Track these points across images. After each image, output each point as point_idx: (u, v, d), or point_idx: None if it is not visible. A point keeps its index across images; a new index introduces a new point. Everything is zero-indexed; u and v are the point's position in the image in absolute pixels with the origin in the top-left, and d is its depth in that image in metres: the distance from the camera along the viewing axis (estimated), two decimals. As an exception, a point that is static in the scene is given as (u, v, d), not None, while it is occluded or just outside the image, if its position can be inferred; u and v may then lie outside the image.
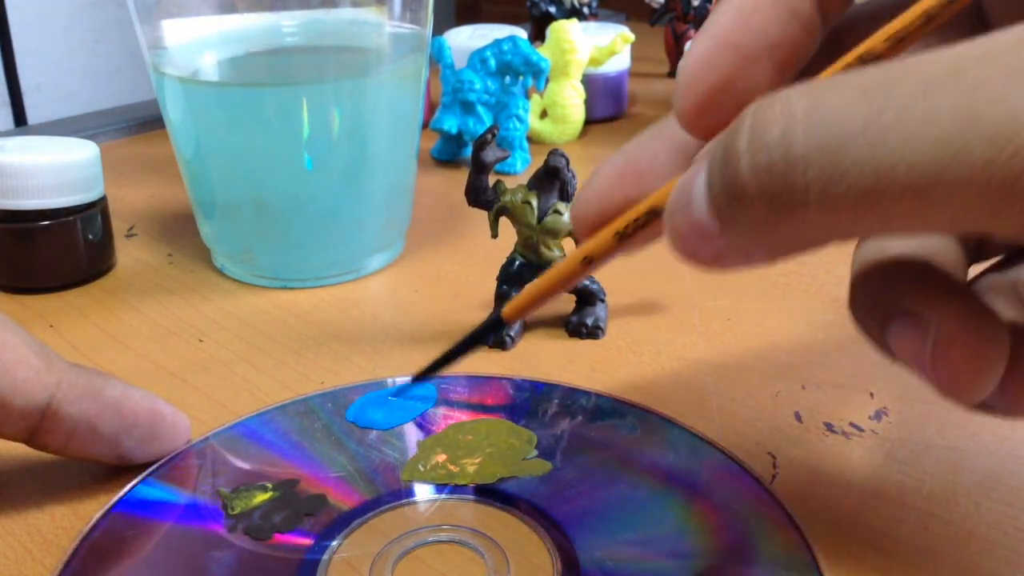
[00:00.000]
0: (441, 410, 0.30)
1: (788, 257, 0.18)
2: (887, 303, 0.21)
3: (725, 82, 0.19)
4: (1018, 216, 0.15)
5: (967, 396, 0.19)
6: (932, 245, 0.22)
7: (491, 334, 0.27)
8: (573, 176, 0.34)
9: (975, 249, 0.23)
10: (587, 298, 0.36)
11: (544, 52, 0.56)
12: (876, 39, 0.18)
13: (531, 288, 0.25)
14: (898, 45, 0.18)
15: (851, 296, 0.22)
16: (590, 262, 0.23)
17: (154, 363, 0.34)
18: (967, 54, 0.15)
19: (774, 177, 0.16)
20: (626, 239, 0.22)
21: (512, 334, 0.35)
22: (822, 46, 0.20)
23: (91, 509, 0.26)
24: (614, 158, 0.22)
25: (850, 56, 0.18)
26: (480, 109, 0.54)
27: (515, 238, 0.35)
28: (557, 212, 0.34)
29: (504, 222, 0.35)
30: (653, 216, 0.22)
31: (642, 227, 0.22)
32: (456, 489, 0.27)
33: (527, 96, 0.55)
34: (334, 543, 0.25)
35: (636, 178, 0.22)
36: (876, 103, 0.15)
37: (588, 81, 0.62)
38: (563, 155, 0.34)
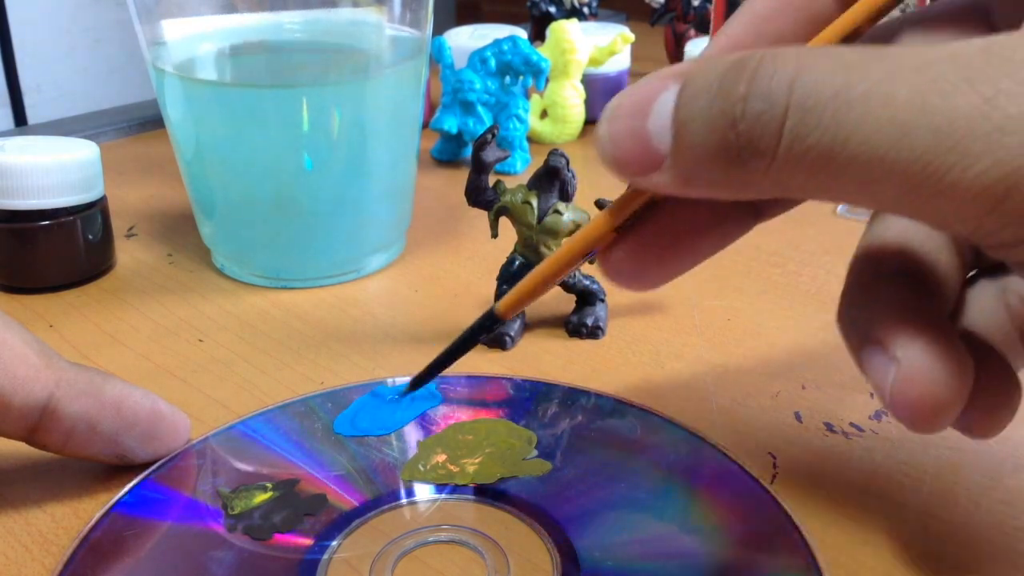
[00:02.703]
0: (441, 410, 0.30)
1: (713, 197, 0.19)
2: (862, 327, 0.21)
3: None
4: (944, 207, 0.16)
5: (922, 430, 0.20)
6: (929, 246, 0.22)
7: (487, 332, 0.27)
8: (573, 176, 0.34)
9: (973, 253, 0.23)
10: (587, 298, 0.36)
11: (544, 52, 0.56)
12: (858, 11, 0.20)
13: (524, 282, 0.25)
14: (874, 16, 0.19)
15: (838, 312, 0.23)
16: (586, 254, 0.23)
17: (154, 363, 0.34)
18: (937, 53, 0.16)
19: (759, 122, 0.17)
20: (623, 231, 0.22)
21: (512, 334, 0.35)
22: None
23: (91, 509, 0.26)
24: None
25: (837, 25, 0.20)
26: (480, 109, 0.54)
27: (515, 238, 0.35)
28: (557, 212, 0.34)
29: (504, 222, 0.35)
30: (649, 209, 0.22)
31: (639, 219, 0.22)
32: (456, 489, 0.27)
33: (527, 96, 0.55)
34: (334, 543, 0.25)
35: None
36: (852, 77, 0.16)
37: (588, 81, 0.62)
38: (563, 155, 0.34)
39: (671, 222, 0.22)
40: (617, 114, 0.19)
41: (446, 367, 0.28)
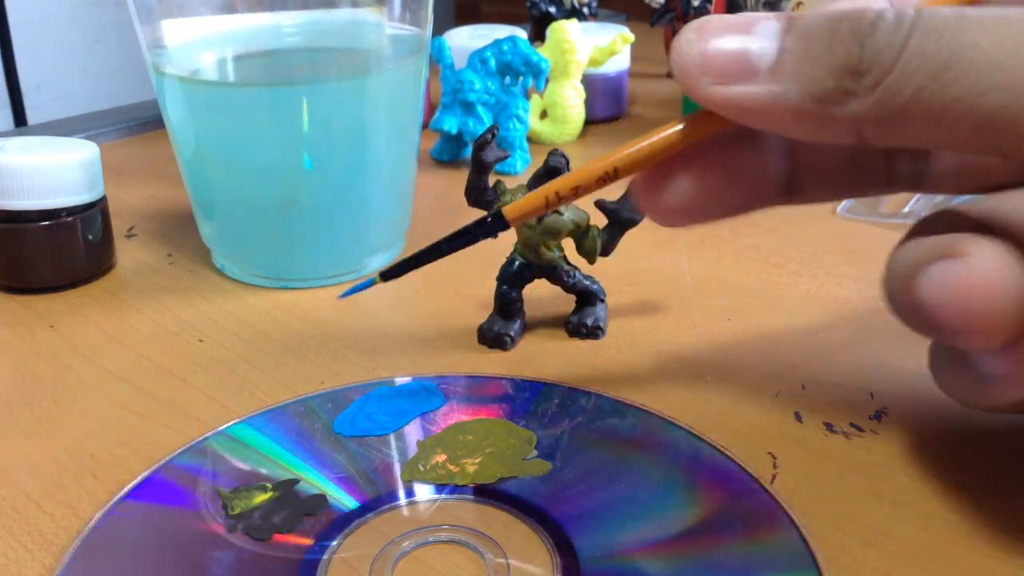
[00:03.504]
0: (441, 410, 0.30)
1: (794, 126, 0.20)
2: (925, 248, 0.21)
3: None
4: None
5: (978, 334, 0.20)
6: None
7: (489, 235, 0.27)
8: (573, 176, 0.34)
9: None
10: (587, 298, 0.36)
11: (544, 52, 0.56)
12: None
13: (542, 189, 0.25)
14: None
15: (892, 255, 0.23)
16: (614, 174, 0.23)
17: (154, 363, 0.34)
18: None
19: (887, 37, 0.19)
20: (652, 158, 0.23)
21: (512, 334, 0.35)
22: None
23: (91, 509, 0.26)
24: None
25: None
26: (480, 109, 0.54)
27: (515, 238, 0.35)
28: (557, 212, 0.34)
29: (504, 222, 0.35)
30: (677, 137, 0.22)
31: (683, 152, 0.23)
32: (456, 489, 0.27)
33: (527, 96, 0.55)
34: (334, 543, 0.25)
35: None
36: (967, 12, 0.19)
37: (588, 81, 0.62)
38: (563, 155, 0.34)
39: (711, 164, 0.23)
40: (709, 27, 0.21)
41: (435, 259, 0.29)
